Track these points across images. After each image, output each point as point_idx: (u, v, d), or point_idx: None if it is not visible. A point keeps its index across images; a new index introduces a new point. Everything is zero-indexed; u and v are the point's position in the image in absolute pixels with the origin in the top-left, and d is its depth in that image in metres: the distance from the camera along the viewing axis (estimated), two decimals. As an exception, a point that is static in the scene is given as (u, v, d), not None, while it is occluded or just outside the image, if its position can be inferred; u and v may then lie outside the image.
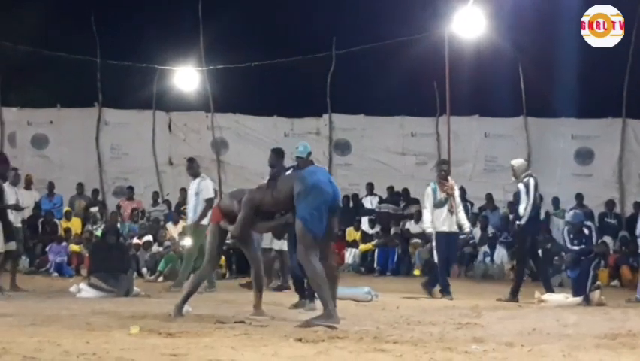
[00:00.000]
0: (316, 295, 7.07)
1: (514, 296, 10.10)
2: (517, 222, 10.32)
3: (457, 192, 10.50)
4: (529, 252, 10.66)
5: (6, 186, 10.91)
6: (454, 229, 10.36)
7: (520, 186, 10.30)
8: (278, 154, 10.83)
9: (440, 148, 17.44)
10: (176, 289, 10.13)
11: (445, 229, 10.29)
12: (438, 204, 10.29)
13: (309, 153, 8.61)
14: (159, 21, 19.54)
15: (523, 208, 10.20)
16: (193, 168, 11.14)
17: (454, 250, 10.79)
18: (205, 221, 10.63)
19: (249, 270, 7.88)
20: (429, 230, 10.48)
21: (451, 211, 10.27)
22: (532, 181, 10.33)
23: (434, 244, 10.36)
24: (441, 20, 16.27)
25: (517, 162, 10.82)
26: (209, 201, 10.69)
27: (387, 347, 5.27)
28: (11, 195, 10.79)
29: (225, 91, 18.54)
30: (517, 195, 10.40)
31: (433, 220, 10.32)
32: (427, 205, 10.52)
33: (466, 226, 10.50)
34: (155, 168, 18.20)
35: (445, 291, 10.21)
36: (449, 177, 10.60)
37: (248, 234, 7.44)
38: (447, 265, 10.57)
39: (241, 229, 7.12)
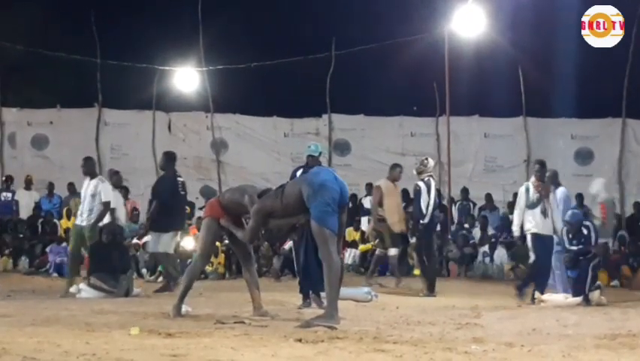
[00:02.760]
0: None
1: (431, 291, 10.54)
2: (421, 221, 10.66)
3: (552, 196, 10.15)
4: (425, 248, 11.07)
5: (423, 186, 11.16)
6: (548, 232, 10.00)
7: (422, 184, 10.65)
8: (168, 157, 11.03)
9: (440, 148, 17.44)
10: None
11: (537, 231, 9.94)
12: (530, 205, 10.04)
13: (321, 153, 8.96)
14: (159, 21, 19.57)
15: (426, 206, 10.57)
16: (89, 167, 10.94)
17: (549, 254, 10.20)
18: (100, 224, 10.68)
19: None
20: (516, 233, 10.22)
21: (544, 213, 9.98)
22: (432, 181, 10.79)
23: (530, 245, 10.04)
24: (440, 20, 16.28)
25: (432, 161, 11.20)
26: (106, 205, 10.61)
27: (387, 347, 5.27)
28: (119, 198, 11.47)
29: (225, 91, 18.55)
30: (417, 193, 10.68)
31: (525, 222, 10.03)
32: (518, 206, 10.24)
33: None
34: (155, 168, 18.15)
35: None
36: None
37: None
38: (547, 269, 10.08)
39: (251, 236, 7.16)
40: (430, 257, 11.13)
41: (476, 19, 15.28)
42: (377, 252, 12.25)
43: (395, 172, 11.89)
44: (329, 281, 6.67)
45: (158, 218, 10.83)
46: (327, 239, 6.60)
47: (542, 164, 10.43)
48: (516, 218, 10.23)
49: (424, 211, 10.58)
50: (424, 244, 11.05)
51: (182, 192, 11.19)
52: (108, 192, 10.71)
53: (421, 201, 10.61)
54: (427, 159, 11.07)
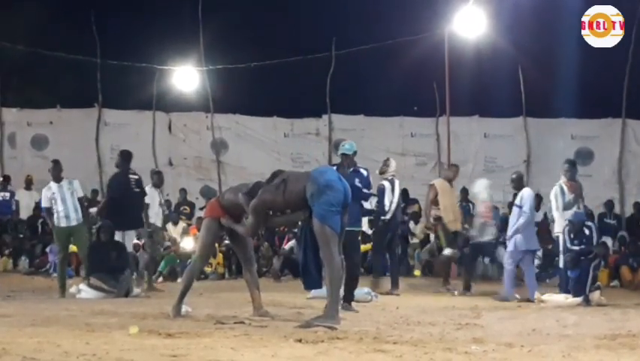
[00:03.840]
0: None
1: (375, 286, 10.84)
2: (382, 217, 11.02)
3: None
4: (387, 247, 11.43)
5: (148, 188, 11.56)
6: None
7: (386, 183, 11.04)
8: (123, 156, 11.05)
9: (440, 149, 17.44)
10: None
11: None
12: (567, 206, 10.07)
13: (355, 152, 8.87)
14: (159, 21, 19.56)
15: (389, 204, 10.94)
16: (59, 170, 10.96)
17: None
18: None
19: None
20: (559, 235, 10.14)
21: None
22: (397, 181, 11.15)
23: (561, 248, 10.01)
24: (441, 21, 16.28)
25: (394, 161, 11.60)
26: (82, 201, 10.81)
27: (387, 348, 5.26)
28: (155, 197, 11.52)
29: (225, 91, 18.56)
30: (382, 192, 11.04)
31: (559, 224, 10.05)
32: (556, 208, 10.21)
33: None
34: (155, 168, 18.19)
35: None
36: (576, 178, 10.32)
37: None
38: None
39: (254, 230, 7.17)
40: (378, 252, 11.41)
41: (476, 20, 15.27)
42: (445, 252, 12.06)
43: (450, 171, 11.84)
44: (331, 282, 6.67)
45: (109, 216, 10.74)
46: (329, 239, 6.59)
47: (572, 163, 10.51)
48: (558, 219, 10.21)
49: (387, 208, 10.93)
50: (382, 240, 11.33)
51: (137, 190, 11.05)
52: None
53: (385, 199, 10.93)
54: (388, 159, 11.50)
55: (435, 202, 11.55)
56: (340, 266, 6.69)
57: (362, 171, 8.77)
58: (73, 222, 10.56)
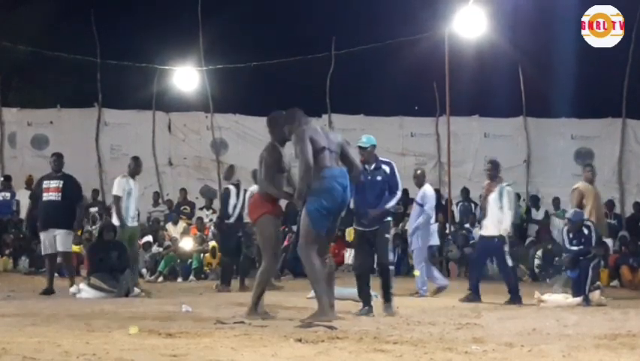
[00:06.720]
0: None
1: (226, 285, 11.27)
2: (226, 220, 11.43)
3: (492, 195, 9.98)
4: (236, 249, 11.60)
5: (233, 189, 11.50)
6: (487, 232, 10.12)
7: (232, 187, 11.47)
8: (58, 158, 10.90)
9: (440, 148, 17.44)
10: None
11: (481, 232, 10.39)
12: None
13: (373, 146, 8.07)
14: (159, 21, 19.60)
15: (233, 208, 11.34)
16: (140, 167, 11.01)
17: (483, 255, 10.83)
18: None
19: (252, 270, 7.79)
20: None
21: (485, 213, 10.07)
22: (241, 185, 11.51)
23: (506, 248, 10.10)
24: (441, 20, 16.28)
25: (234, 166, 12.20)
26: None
27: (387, 348, 5.26)
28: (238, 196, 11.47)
29: (225, 91, 18.56)
30: (227, 196, 11.46)
31: None
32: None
33: None
34: (155, 168, 18.19)
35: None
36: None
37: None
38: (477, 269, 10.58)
39: (306, 173, 6.78)
40: (228, 255, 11.62)
41: (476, 20, 15.27)
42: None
43: (589, 173, 11.28)
44: (311, 279, 6.84)
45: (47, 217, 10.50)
46: (310, 239, 6.76)
47: (492, 163, 10.29)
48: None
49: (231, 212, 11.29)
50: (225, 242, 11.69)
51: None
52: None
53: (230, 202, 11.28)
54: (232, 165, 12.18)
55: (580, 206, 10.71)
56: (319, 264, 6.80)
57: (384, 167, 7.92)
58: (135, 223, 10.68)
